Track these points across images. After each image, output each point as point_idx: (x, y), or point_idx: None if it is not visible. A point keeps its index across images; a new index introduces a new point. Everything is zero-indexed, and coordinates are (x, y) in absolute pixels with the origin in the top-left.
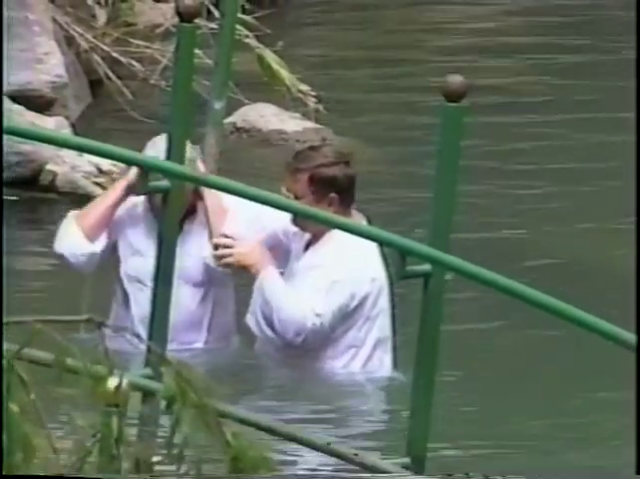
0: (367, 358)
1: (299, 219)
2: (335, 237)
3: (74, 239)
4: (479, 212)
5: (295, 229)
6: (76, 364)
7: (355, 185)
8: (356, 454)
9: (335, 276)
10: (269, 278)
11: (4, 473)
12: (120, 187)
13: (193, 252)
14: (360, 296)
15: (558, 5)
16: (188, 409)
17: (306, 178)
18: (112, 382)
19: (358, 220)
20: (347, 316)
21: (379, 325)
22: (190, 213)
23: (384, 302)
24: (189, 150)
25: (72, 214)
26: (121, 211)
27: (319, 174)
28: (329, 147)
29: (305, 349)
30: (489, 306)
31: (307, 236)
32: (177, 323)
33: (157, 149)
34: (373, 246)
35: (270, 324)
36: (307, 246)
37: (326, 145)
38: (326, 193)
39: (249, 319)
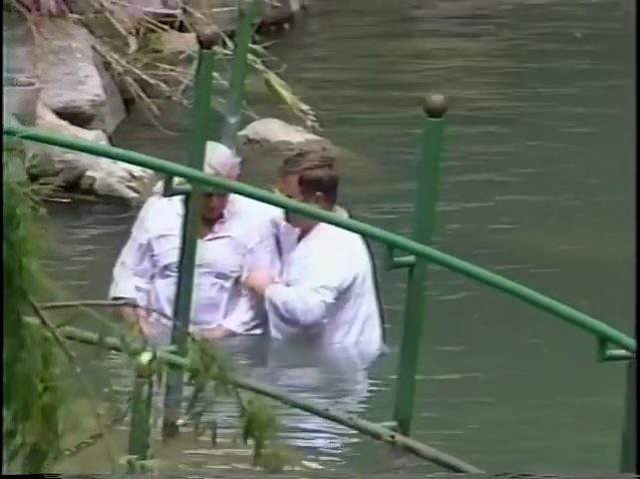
0: (359, 333)
1: (291, 215)
2: (323, 230)
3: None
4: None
5: (286, 223)
6: (114, 341)
7: (338, 184)
8: (350, 418)
9: (328, 263)
10: (273, 291)
11: (6, 473)
12: None
13: (221, 251)
14: (351, 278)
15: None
16: (210, 380)
17: (295, 179)
18: (145, 356)
19: (340, 214)
20: (341, 295)
21: (366, 303)
22: (220, 217)
23: (369, 283)
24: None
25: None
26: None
27: (306, 176)
28: (314, 153)
29: (319, 326)
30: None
31: (297, 230)
32: (197, 306)
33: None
34: (356, 236)
35: (288, 322)
36: (299, 239)
37: (311, 151)
38: (313, 192)
39: (275, 334)
